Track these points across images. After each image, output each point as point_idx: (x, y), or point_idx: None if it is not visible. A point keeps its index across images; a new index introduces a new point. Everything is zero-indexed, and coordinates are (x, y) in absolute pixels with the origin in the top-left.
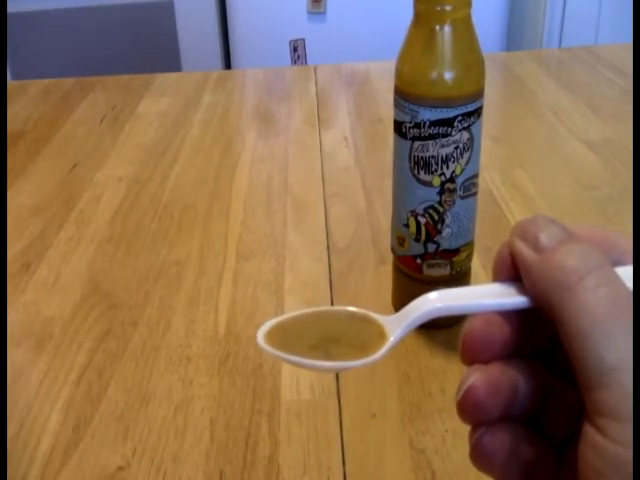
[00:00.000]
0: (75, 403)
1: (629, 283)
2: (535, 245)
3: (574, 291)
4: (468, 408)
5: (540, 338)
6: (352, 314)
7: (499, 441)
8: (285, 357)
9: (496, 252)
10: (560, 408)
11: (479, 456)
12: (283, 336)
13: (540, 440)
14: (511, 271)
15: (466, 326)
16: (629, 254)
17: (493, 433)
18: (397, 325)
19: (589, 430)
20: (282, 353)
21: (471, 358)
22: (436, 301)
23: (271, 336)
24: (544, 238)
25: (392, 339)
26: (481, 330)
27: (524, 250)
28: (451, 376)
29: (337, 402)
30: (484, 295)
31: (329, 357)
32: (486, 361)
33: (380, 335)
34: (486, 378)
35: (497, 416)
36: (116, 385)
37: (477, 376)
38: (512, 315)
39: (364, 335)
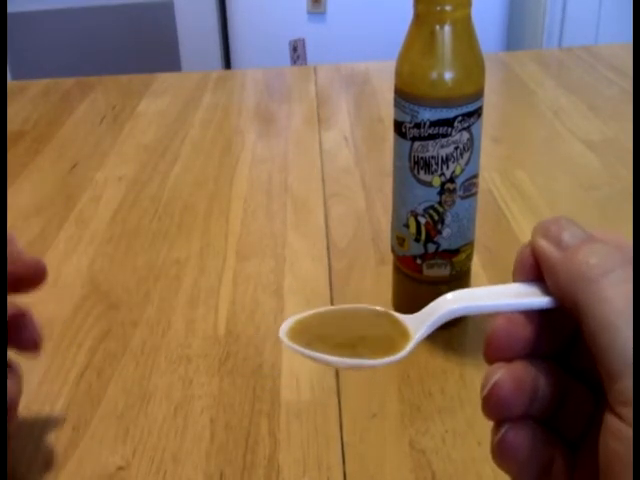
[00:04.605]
0: (75, 403)
1: None
2: (559, 243)
3: (600, 284)
4: (493, 403)
5: (557, 339)
6: (375, 312)
7: (522, 438)
8: (312, 355)
9: (517, 253)
10: (574, 409)
11: (503, 452)
12: (305, 334)
13: (555, 439)
14: (532, 271)
15: (490, 325)
16: None
17: (517, 430)
18: (420, 323)
19: (611, 419)
20: (309, 350)
21: (495, 356)
22: (460, 300)
23: (293, 333)
24: (567, 237)
25: (417, 337)
26: (505, 328)
27: (548, 248)
28: (451, 376)
29: (337, 402)
30: (505, 295)
31: (355, 355)
32: (508, 359)
33: (403, 334)
34: (511, 375)
35: (519, 413)
36: (116, 385)
37: (503, 372)
38: (533, 315)
39: (388, 333)
